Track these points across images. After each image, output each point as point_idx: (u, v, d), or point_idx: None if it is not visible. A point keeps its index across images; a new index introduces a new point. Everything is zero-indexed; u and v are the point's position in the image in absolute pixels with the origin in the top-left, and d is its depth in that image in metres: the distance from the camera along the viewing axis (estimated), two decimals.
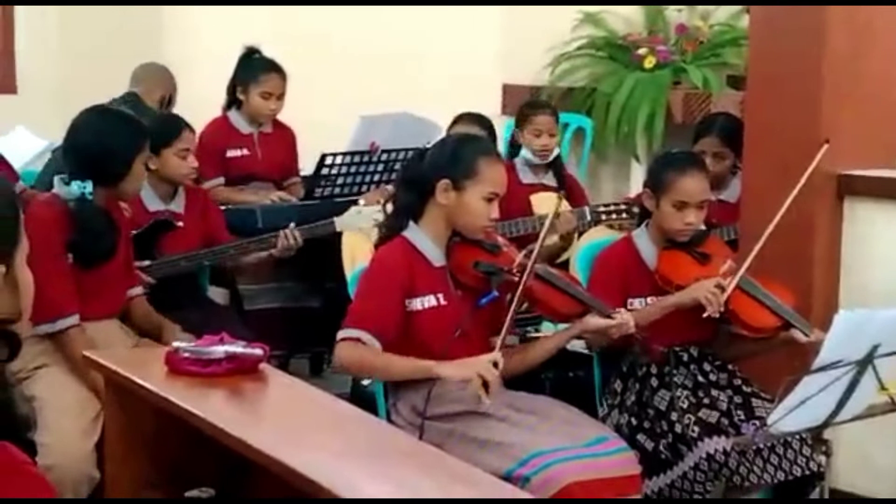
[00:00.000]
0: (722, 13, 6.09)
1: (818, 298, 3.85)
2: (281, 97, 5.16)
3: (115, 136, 3.66)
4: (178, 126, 4.37)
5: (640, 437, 3.42)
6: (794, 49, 3.90)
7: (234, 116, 5.18)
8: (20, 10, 5.83)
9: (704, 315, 3.42)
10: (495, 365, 3.09)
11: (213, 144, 4.82)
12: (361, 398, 3.51)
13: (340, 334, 3.18)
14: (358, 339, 3.15)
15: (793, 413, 2.77)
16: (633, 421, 3.47)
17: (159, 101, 5.43)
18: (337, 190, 5.04)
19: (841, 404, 2.85)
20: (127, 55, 5.50)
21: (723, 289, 3.42)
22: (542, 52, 6.03)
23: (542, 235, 3.42)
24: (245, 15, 5.56)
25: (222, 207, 4.67)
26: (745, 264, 3.48)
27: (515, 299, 3.21)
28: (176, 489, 2.89)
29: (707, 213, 3.63)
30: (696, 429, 3.34)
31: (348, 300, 3.52)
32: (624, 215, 4.58)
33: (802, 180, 3.53)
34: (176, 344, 2.91)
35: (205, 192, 4.49)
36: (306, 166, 5.31)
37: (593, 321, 3.33)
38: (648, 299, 3.58)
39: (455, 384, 3.13)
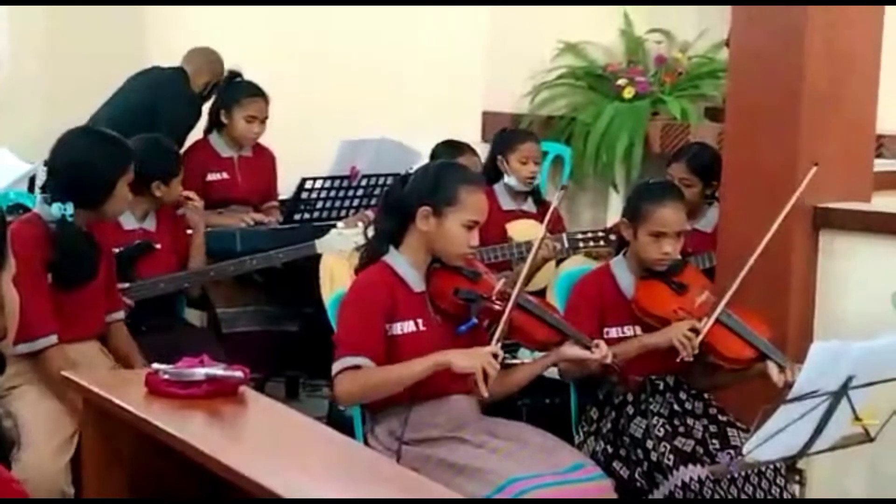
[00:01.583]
0: (701, 46, 6.15)
1: (794, 328, 3.88)
2: (264, 121, 5.18)
3: (97, 158, 3.64)
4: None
5: (616, 464, 3.44)
6: (772, 80, 3.95)
7: (215, 139, 5.19)
8: (2, 27, 5.82)
9: (678, 359, 3.45)
10: (495, 356, 3.13)
11: (194, 168, 4.82)
12: (339, 422, 3.51)
13: (336, 366, 3.17)
14: (356, 367, 3.15)
15: (768, 442, 2.79)
16: (609, 448, 3.49)
17: (203, 85, 5.42)
18: (316, 214, 5.06)
19: (816, 434, 2.87)
20: (113, 74, 5.51)
21: (697, 332, 3.44)
22: (522, 81, 6.08)
23: (527, 266, 3.45)
24: (227, 38, 5.57)
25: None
26: (724, 300, 3.50)
27: (500, 326, 3.23)
28: None
29: (684, 242, 3.67)
30: (672, 457, 3.36)
31: (327, 324, 3.54)
32: (601, 243, 4.62)
33: (789, 205, 3.57)
34: (156, 365, 2.90)
35: (175, 211, 4.46)
36: (285, 190, 5.32)
37: (570, 350, 3.35)
38: (625, 328, 3.60)
39: (434, 408, 3.15)
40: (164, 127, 4.95)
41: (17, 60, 5.82)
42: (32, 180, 4.73)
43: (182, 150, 4.86)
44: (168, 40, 5.71)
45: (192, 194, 4.54)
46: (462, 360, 3.14)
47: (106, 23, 5.84)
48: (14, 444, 1.54)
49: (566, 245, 4.65)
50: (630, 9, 6.18)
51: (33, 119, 5.29)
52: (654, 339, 3.51)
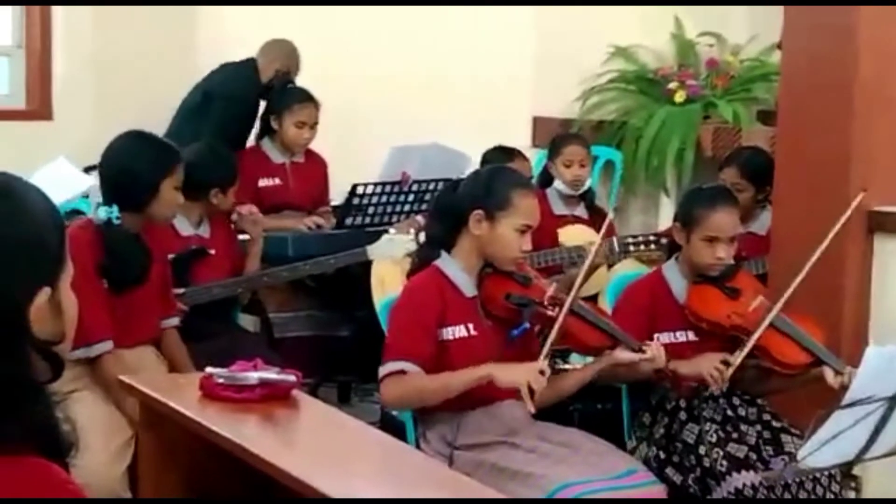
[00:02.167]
0: (753, 48, 6.11)
1: (848, 333, 3.84)
2: (314, 126, 5.22)
3: (139, 160, 3.68)
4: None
5: (669, 470, 3.43)
6: (825, 83, 3.92)
7: (267, 146, 5.24)
8: (57, 38, 5.91)
9: (707, 392, 3.42)
10: (542, 373, 3.11)
11: (246, 174, 4.85)
12: (391, 427, 3.52)
13: (383, 370, 3.18)
14: (402, 371, 3.16)
15: (822, 448, 2.77)
16: (662, 454, 3.48)
17: (274, 73, 5.47)
18: (367, 219, 5.07)
19: (871, 440, 2.85)
20: (163, 80, 5.58)
21: (728, 364, 3.40)
22: (572, 85, 6.05)
23: (581, 273, 3.43)
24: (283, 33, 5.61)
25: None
26: (778, 306, 3.47)
27: (554, 331, 3.22)
28: None
29: (737, 246, 3.64)
30: (725, 463, 3.34)
31: (378, 329, 3.55)
32: (652, 247, 4.61)
33: (837, 227, 3.53)
34: (210, 370, 2.93)
35: (227, 218, 4.50)
36: (336, 196, 5.35)
37: (622, 354, 3.34)
38: (677, 333, 3.59)
39: (486, 414, 3.15)
40: (215, 112, 5.05)
41: (70, 71, 5.91)
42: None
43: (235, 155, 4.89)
44: (218, 46, 5.75)
45: (251, 208, 4.57)
46: (507, 374, 3.13)
47: (156, 30, 5.91)
48: (72, 447, 1.55)
49: (617, 249, 4.64)
50: (681, 12, 6.14)
51: (88, 127, 5.36)
52: (684, 369, 3.47)
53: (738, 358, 3.41)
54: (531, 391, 3.10)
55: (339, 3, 6.00)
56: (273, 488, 2.63)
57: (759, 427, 3.51)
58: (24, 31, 5.98)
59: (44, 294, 1.52)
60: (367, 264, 4.48)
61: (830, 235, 3.50)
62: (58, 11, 5.89)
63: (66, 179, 4.34)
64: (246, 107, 5.46)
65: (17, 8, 5.96)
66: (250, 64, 5.52)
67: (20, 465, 1.44)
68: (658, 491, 3.18)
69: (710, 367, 3.40)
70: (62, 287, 1.57)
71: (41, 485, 1.44)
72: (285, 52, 5.54)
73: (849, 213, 3.58)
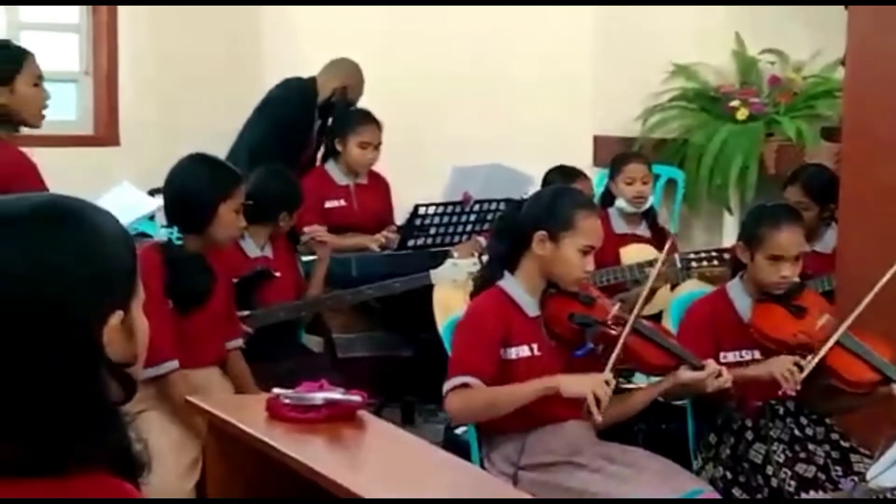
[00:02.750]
0: (815, 65, 6.07)
1: None
2: (377, 147, 5.26)
3: (197, 182, 3.73)
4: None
5: (736, 490, 3.40)
6: (890, 98, 3.88)
7: (332, 168, 5.29)
8: (123, 65, 6.00)
9: (780, 392, 3.40)
10: (607, 383, 3.11)
11: (311, 196, 4.90)
12: (454, 447, 3.53)
13: (447, 386, 3.20)
14: (465, 385, 3.17)
15: (893, 468, 2.74)
16: (729, 475, 3.45)
17: (332, 91, 5.53)
18: (430, 240, 5.10)
19: None
20: (226, 103, 5.65)
21: (801, 368, 3.38)
22: (633, 104, 6.05)
23: (644, 293, 3.43)
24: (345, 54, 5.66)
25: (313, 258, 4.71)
26: (848, 321, 3.44)
27: (616, 351, 3.22)
28: None
29: (802, 264, 3.62)
30: (793, 483, 3.32)
31: (441, 350, 3.56)
32: (714, 262, 4.59)
33: None
34: (276, 390, 2.96)
35: (288, 240, 4.54)
36: (399, 216, 5.38)
37: (687, 374, 3.32)
38: (743, 352, 3.56)
39: (551, 434, 3.15)
40: (264, 123, 5.12)
41: (136, 97, 6.00)
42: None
43: (300, 178, 4.93)
44: (282, 69, 5.81)
45: (320, 232, 4.61)
46: (572, 385, 3.13)
47: (220, 55, 5.98)
48: (145, 466, 1.57)
49: (679, 266, 4.63)
50: (742, 29, 6.13)
51: (154, 151, 5.43)
52: (756, 371, 3.45)
53: (810, 363, 3.38)
54: (597, 401, 3.09)
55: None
56: None
57: (827, 447, 3.47)
58: (90, 57, 6.08)
59: (116, 317, 1.53)
60: (430, 287, 4.50)
61: None
62: (123, 38, 5.98)
63: (130, 202, 4.41)
64: (294, 121, 5.50)
65: (85, 35, 6.06)
66: (309, 82, 5.58)
67: (95, 484, 1.46)
68: None
69: (782, 368, 3.38)
70: (134, 310, 1.58)
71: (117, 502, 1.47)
72: (345, 72, 5.58)
73: None
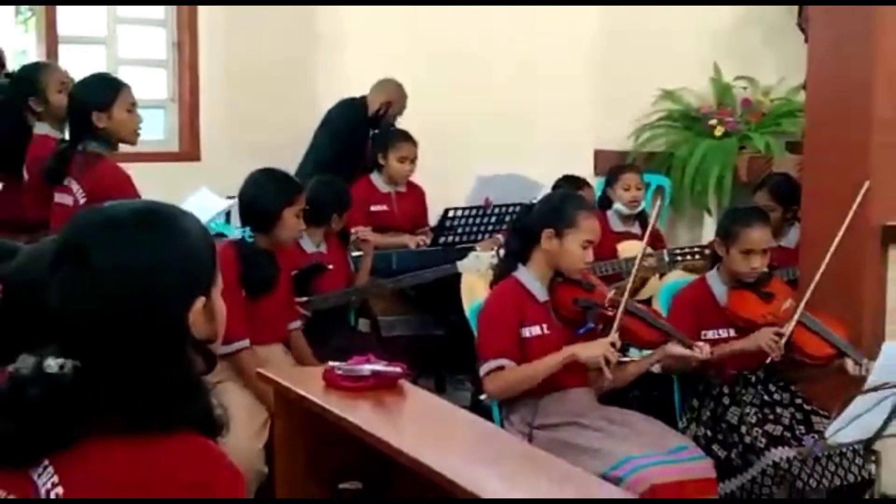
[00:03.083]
0: (781, 89, 6.04)
1: (867, 331, 3.75)
2: (413, 161, 5.26)
3: (264, 191, 3.75)
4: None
5: (715, 446, 3.39)
6: (844, 117, 3.86)
7: (376, 178, 5.29)
8: (203, 93, 6.02)
9: (767, 360, 3.39)
10: (613, 345, 3.14)
11: (359, 201, 4.92)
12: (479, 410, 3.53)
13: (483, 369, 3.20)
14: (500, 367, 3.17)
15: (847, 427, 2.73)
16: (709, 433, 3.44)
17: (380, 105, 5.56)
18: (457, 238, 5.10)
19: (888, 420, 2.80)
20: (289, 125, 5.71)
21: (781, 335, 3.38)
22: (627, 123, 6.04)
23: (632, 277, 3.43)
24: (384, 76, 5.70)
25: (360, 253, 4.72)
26: (803, 302, 3.44)
27: (613, 329, 3.22)
28: (331, 482, 2.93)
29: (770, 257, 3.61)
30: (764, 440, 3.31)
31: (467, 329, 3.57)
32: (697, 257, 4.59)
33: (848, 218, 3.48)
34: (331, 363, 2.97)
35: (340, 238, 4.54)
36: (432, 218, 5.39)
37: (674, 349, 3.33)
38: (720, 331, 3.56)
39: (559, 398, 3.15)
40: (325, 138, 5.16)
41: (214, 119, 6.03)
42: (229, 213, 4.87)
43: (349, 186, 4.94)
44: (335, 94, 5.83)
45: (364, 231, 4.61)
46: (586, 350, 3.16)
47: (282, 85, 6.01)
48: (224, 427, 1.58)
49: (667, 260, 4.62)
50: (719, 59, 6.11)
51: (228, 165, 5.46)
52: (744, 343, 3.45)
53: (788, 328, 3.37)
54: (608, 362, 3.10)
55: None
56: (385, 466, 2.65)
57: (792, 409, 3.46)
58: (175, 87, 6.11)
59: (200, 302, 1.54)
60: (458, 276, 4.50)
61: (840, 233, 3.45)
62: (203, 70, 6.00)
63: (207, 204, 4.44)
64: (351, 134, 5.53)
65: (171, 67, 6.09)
66: (360, 100, 5.61)
67: (186, 442, 1.47)
68: (706, 465, 3.15)
69: (766, 339, 3.38)
70: (214, 296, 1.59)
71: (203, 457, 1.47)
72: (389, 89, 5.61)
73: (854, 207, 3.51)
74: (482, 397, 3.74)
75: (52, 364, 1.46)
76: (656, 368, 3.57)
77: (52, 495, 1.43)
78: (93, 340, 1.47)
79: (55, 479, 1.43)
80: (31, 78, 4.05)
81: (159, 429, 1.45)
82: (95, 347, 1.47)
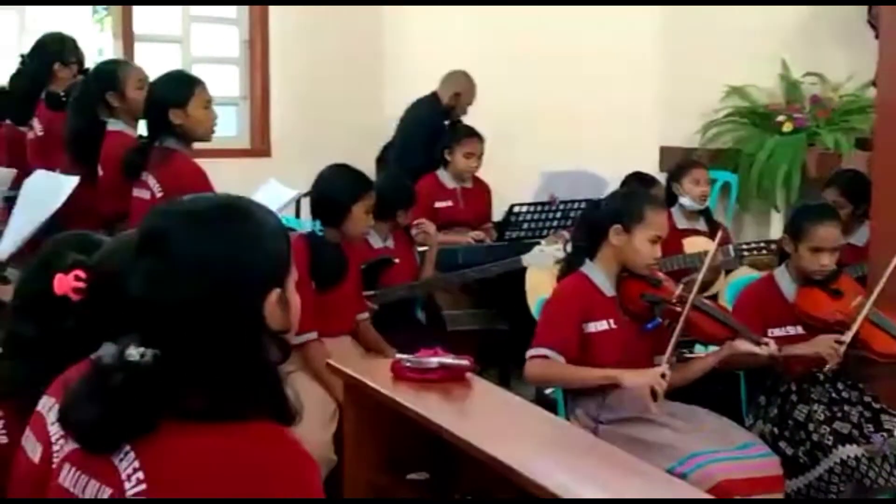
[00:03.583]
0: (851, 85, 5.93)
1: None
2: (480, 157, 5.25)
3: (335, 187, 3.78)
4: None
5: (782, 444, 3.34)
6: None
7: (442, 174, 5.30)
8: (274, 90, 6.10)
9: (826, 368, 3.33)
10: (663, 376, 3.08)
11: (424, 197, 4.93)
12: (543, 404, 3.52)
13: (529, 353, 3.19)
14: (544, 356, 3.17)
15: None
16: (776, 430, 3.40)
17: (450, 97, 5.59)
18: (522, 234, 5.09)
19: None
20: (357, 120, 5.75)
21: (842, 343, 3.31)
22: (694, 119, 5.98)
23: (700, 274, 3.39)
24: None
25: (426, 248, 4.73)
26: (871, 299, 3.37)
27: (679, 325, 3.19)
28: (398, 472, 2.95)
29: (839, 255, 3.54)
30: (831, 438, 3.25)
31: (530, 325, 3.55)
32: (763, 252, 4.51)
33: None
34: (399, 355, 2.99)
35: (408, 233, 4.56)
36: (497, 214, 5.38)
37: (741, 345, 3.28)
38: (788, 328, 3.50)
39: (626, 394, 3.13)
40: (407, 137, 5.19)
41: (284, 116, 6.09)
42: (299, 209, 4.93)
43: (415, 182, 4.95)
44: (401, 91, 5.85)
45: (424, 223, 4.64)
46: (632, 379, 3.09)
47: (351, 81, 6.05)
48: (297, 415, 1.60)
49: (733, 255, 4.56)
50: (788, 56, 6.02)
51: (298, 161, 5.52)
52: (804, 349, 3.38)
53: (848, 336, 3.31)
54: (654, 394, 3.05)
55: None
56: (450, 456, 2.66)
57: (860, 408, 3.40)
58: (248, 85, 6.19)
59: (275, 294, 1.56)
60: (522, 271, 4.49)
61: None
62: (274, 70, 6.08)
63: (276, 194, 4.49)
64: (428, 130, 5.55)
65: (243, 65, 6.17)
66: (431, 96, 5.63)
67: (262, 429, 1.50)
68: (773, 461, 3.11)
69: (826, 347, 3.32)
70: (289, 287, 1.60)
71: (278, 444, 1.49)
72: (458, 80, 5.64)
73: None
74: (547, 391, 3.74)
75: (133, 352, 1.49)
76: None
77: (133, 480, 1.46)
78: (172, 329, 1.49)
79: (136, 464, 1.46)
80: (111, 73, 4.12)
81: (236, 416, 1.48)
82: (175, 336, 1.49)
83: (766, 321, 3.49)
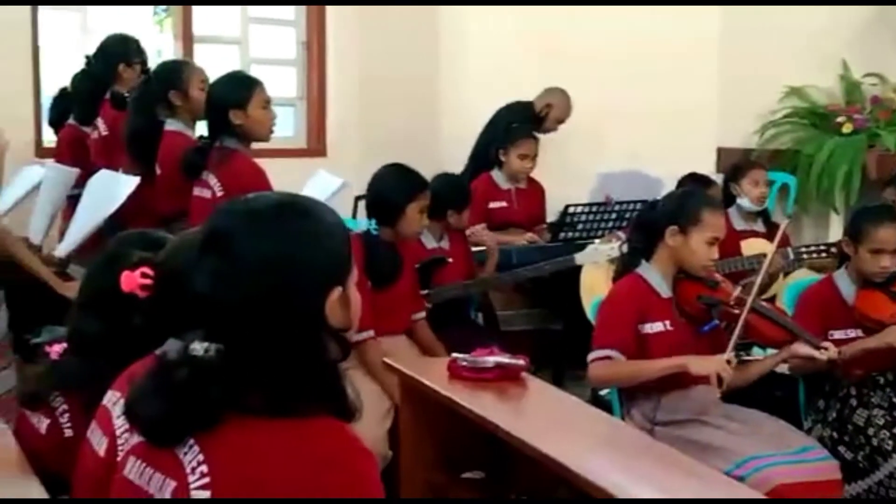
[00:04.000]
0: None
1: None
2: (534, 158, 5.24)
3: (390, 186, 3.79)
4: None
5: (841, 448, 3.30)
6: None
7: (496, 175, 5.30)
8: (330, 91, 6.13)
9: (879, 378, 3.28)
10: (729, 363, 3.06)
11: (479, 197, 4.93)
12: (599, 404, 3.51)
13: (591, 356, 3.17)
14: (607, 357, 3.16)
15: None
16: (835, 434, 3.36)
17: (541, 108, 5.59)
18: (577, 234, 5.07)
19: None
20: (412, 121, 5.77)
21: None
22: (752, 120, 5.93)
23: (760, 275, 3.35)
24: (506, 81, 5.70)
25: (482, 248, 4.74)
26: None
27: (738, 327, 3.16)
28: (454, 471, 2.96)
29: None
30: (891, 443, 3.21)
31: (585, 325, 3.54)
32: (823, 254, 4.46)
33: None
34: (455, 355, 2.99)
35: (463, 233, 4.58)
36: (552, 215, 5.37)
37: (801, 349, 3.24)
38: (848, 331, 3.45)
39: (682, 396, 3.11)
40: (490, 138, 5.21)
41: (340, 117, 6.13)
42: (356, 209, 4.95)
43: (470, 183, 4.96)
44: (457, 96, 5.86)
45: (480, 233, 4.63)
46: (700, 364, 3.07)
47: (407, 82, 6.06)
48: (357, 412, 1.61)
49: (792, 258, 4.51)
50: (848, 55, 5.93)
51: (353, 160, 5.56)
52: (873, 342, 3.34)
53: None
54: (720, 379, 3.04)
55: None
56: (504, 454, 2.67)
57: None
58: (304, 86, 6.24)
59: (336, 292, 1.57)
60: (576, 272, 4.47)
61: None
62: (330, 71, 6.12)
63: (323, 183, 4.50)
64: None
65: (300, 66, 6.22)
66: (527, 104, 5.61)
67: (322, 424, 1.51)
68: (832, 466, 3.07)
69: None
70: (349, 286, 1.61)
71: (338, 438, 1.51)
72: (554, 94, 5.62)
73: None
74: (602, 392, 3.73)
75: (197, 348, 1.52)
76: (781, 368, 3.49)
77: (198, 473, 1.48)
78: (235, 325, 1.51)
79: (200, 457, 1.49)
80: (176, 72, 4.17)
81: (297, 410, 1.49)
82: (238, 332, 1.51)
83: (826, 324, 3.45)
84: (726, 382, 3.04)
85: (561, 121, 5.62)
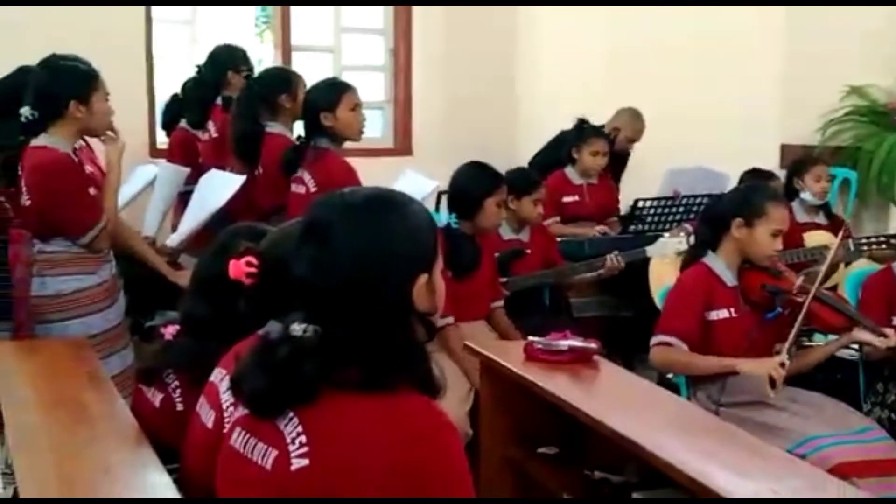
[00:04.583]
0: None
1: None
2: (605, 155, 5.20)
3: (469, 182, 3.81)
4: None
5: None
6: None
7: (570, 171, 5.26)
8: (416, 95, 6.17)
9: None
10: (782, 365, 3.00)
11: (553, 192, 4.91)
12: (666, 387, 3.47)
13: (654, 340, 3.16)
14: (668, 343, 3.13)
15: None
16: (893, 416, 3.28)
17: (611, 129, 5.50)
18: (646, 227, 5.02)
19: None
20: (491, 122, 5.76)
21: None
22: (814, 118, 5.79)
23: (825, 266, 3.28)
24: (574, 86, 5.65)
25: (558, 239, 4.73)
26: None
27: (801, 315, 3.10)
28: (530, 446, 2.97)
29: None
30: None
31: (654, 312, 3.51)
32: (883, 246, 4.34)
33: None
34: (531, 338, 2.99)
35: (545, 226, 4.56)
36: (622, 208, 5.32)
37: (861, 335, 3.17)
38: None
39: (746, 379, 3.06)
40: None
41: (426, 118, 6.16)
42: (439, 203, 4.97)
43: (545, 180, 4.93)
44: (532, 100, 5.83)
45: (551, 225, 4.61)
46: (753, 367, 3.02)
47: (485, 86, 6.07)
48: (442, 389, 1.63)
49: (852, 249, 4.40)
50: None
51: (437, 159, 5.58)
52: None
53: None
54: (773, 382, 2.98)
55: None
56: (576, 434, 2.66)
57: None
58: (392, 90, 6.29)
59: (423, 279, 1.60)
60: (646, 262, 4.43)
61: None
62: (417, 75, 6.16)
63: (414, 185, 4.52)
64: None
65: (388, 72, 6.27)
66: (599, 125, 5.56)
67: (412, 399, 1.53)
68: (891, 445, 2.99)
69: None
70: (435, 273, 1.64)
71: (427, 413, 1.53)
72: (621, 116, 5.55)
73: None
74: (669, 375, 3.69)
75: (297, 328, 1.55)
76: (842, 353, 3.41)
77: (297, 443, 1.51)
78: (331, 308, 1.54)
79: (300, 428, 1.52)
80: (285, 78, 4.24)
81: (388, 386, 1.52)
82: (334, 315, 1.54)
83: (891, 310, 3.36)
84: (779, 385, 2.98)
85: (633, 140, 5.54)
